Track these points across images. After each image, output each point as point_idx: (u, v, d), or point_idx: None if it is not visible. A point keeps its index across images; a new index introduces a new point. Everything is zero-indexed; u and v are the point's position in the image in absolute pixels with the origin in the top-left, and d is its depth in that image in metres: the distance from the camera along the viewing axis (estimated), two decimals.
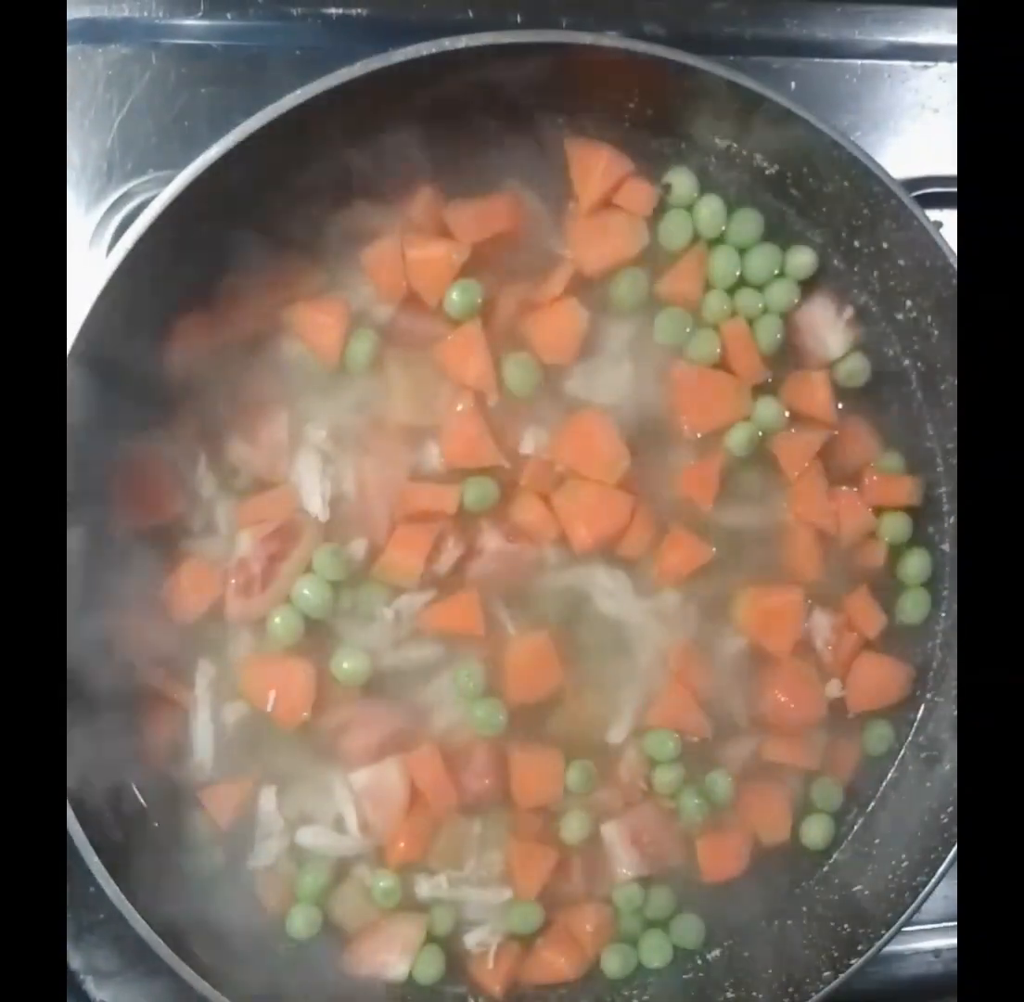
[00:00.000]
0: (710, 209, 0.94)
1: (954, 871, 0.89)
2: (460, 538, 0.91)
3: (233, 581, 0.89)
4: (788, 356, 0.97)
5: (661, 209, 0.94)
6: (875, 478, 0.98)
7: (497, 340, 0.91)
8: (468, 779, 0.91)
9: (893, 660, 0.99)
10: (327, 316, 0.89)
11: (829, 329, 0.97)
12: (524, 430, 0.93)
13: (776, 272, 0.96)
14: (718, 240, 0.96)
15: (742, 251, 0.96)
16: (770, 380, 0.96)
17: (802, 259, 0.96)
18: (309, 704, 0.89)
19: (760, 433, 0.96)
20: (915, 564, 0.99)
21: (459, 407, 0.91)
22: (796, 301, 0.96)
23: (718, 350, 0.95)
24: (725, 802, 0.95)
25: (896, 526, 0.99)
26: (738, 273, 0.95)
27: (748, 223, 0.95)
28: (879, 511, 0.98)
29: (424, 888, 0.93)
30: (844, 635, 0.97)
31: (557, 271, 0.92)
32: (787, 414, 0.96)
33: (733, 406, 0.95)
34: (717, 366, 0.95)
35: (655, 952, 0.96)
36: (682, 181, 0.94)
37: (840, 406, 0.98)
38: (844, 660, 0.97)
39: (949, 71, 1.08)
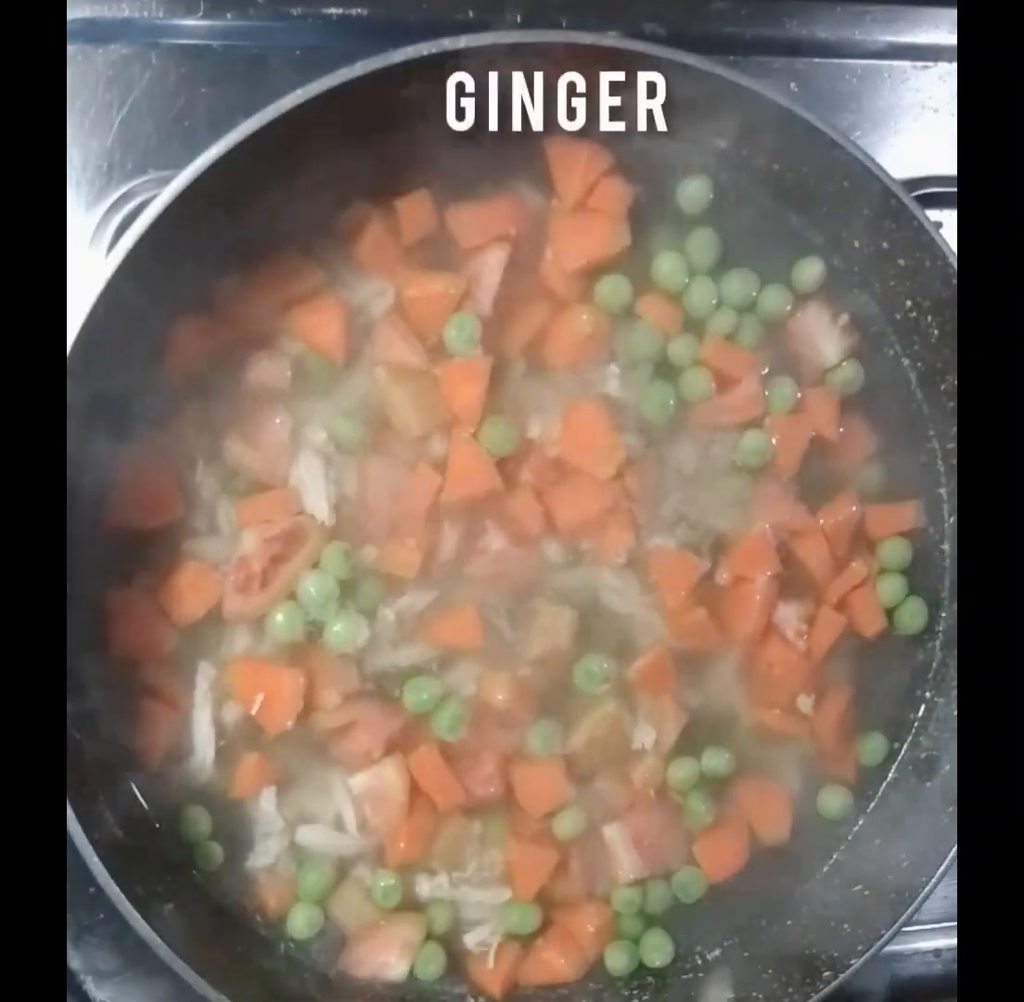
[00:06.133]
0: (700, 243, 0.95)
1: (954, 871, 0.89)
2: (462, 534, 0.91)
3: (232, 578, 0.89)
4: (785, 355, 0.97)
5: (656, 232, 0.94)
6: (873, 505, 0.98)
7: (505, 344, 0.92)
8: (471, 783, 0.91)
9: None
10: (325, 316, 0.89)
11: (824, 336, 0.96)
12: (530, 416, 0.93)
13: (754, 294, 0.96)
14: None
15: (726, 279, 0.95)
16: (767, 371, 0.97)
17: (810, 270, 0.96)
18: (295, 712, 0.89)
19: (774, 440, 0.96)
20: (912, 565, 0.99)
21: (457, 436, 0.91)
22: (789, 309, 0.96)
23: (713, 386, 0.95)
24: (727, 773, 0.95)
25: (893, 552, 0.99)
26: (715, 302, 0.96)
27: (738, 280, 0.95)
28: (877, 540, 0.99)
29: (424, 888, 0.93)
30: (816, 626, 0.97)
31: (545, 271, 0.92)
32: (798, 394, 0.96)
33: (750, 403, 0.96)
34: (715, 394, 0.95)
35: (656, 951, 0.96)
36: (693, 189, 0.94)
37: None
38: (822, 651, 0.98)
39: (949, 71, 1.08)
